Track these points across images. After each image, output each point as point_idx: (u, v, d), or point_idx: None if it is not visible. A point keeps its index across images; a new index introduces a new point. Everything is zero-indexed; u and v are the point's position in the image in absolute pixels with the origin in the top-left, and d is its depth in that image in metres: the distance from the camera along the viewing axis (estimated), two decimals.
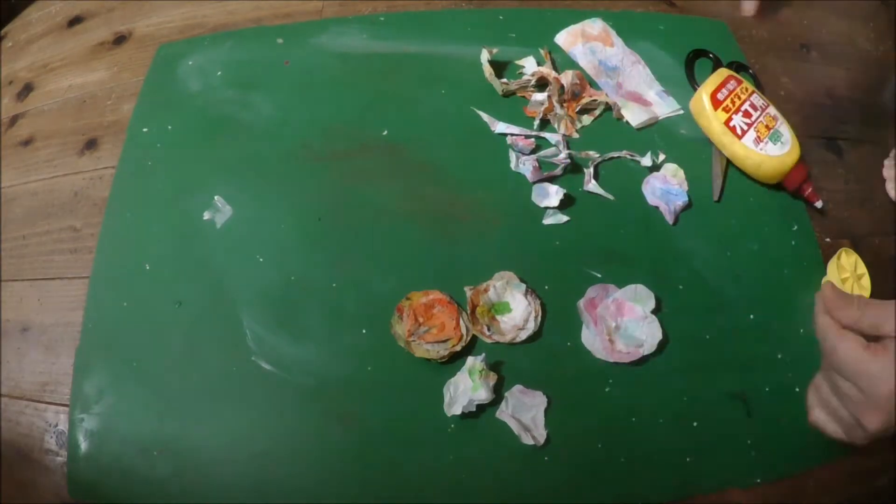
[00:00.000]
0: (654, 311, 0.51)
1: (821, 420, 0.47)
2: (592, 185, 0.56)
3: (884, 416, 0.41)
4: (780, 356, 0.52)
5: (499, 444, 0.47)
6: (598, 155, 0.58)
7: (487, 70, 0.60)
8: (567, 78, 0.60)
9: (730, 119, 0.56)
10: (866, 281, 0.51)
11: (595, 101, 0.60)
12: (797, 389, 0.50)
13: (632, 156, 0.58)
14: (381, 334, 0.50)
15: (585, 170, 0.57)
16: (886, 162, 0.62)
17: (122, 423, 0.48)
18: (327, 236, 0.54)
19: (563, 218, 0.55)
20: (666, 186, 0.57)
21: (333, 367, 0.49)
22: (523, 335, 0.50)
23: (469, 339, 0.49)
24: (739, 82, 0.58)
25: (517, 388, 0.48)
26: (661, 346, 0.50)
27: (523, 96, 0.61)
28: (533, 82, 0.61)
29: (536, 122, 0.59)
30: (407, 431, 0.48)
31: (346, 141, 0.58)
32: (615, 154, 0.59)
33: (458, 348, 0.49)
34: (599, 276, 0.53)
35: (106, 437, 0.48)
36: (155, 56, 0.64)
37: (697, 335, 0.52)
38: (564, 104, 0.60)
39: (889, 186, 0.61)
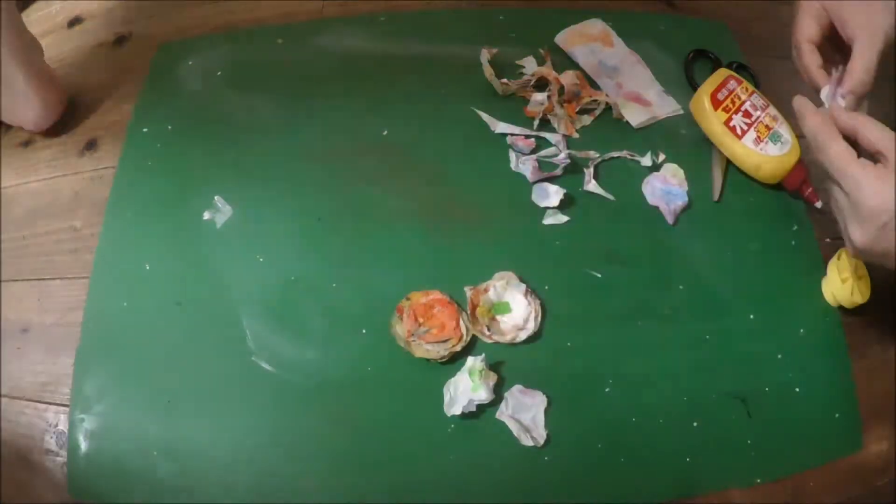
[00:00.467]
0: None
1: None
2: (592, 185, 0.56)
3: (868, 232, 0.41)
4: (780, 356, 0.51)
5: (499, 444, 0.47)
6: (598, 155, 0.58)
7: (487, 70, 0.60)
8: (567, 78, 0.60)
9: (730, 119, 0.56)
10: (866, 282, 0.51)
11: (595, 101, 0.60)
12: (797, 389, 0.50)
13: (632, 156, 0.58)
14: (380, 334, 0.50)
15: (585, 170, 0.57)
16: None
17: (122, 423, 0.48)
18: (327, 236, 0.54)
19: (563, 218, 0.55)
20: (666, 186, 0.57)
21: (333, 368, 0.49)
22: (523, 335, 0.50)
23: (469, 339, 0.49)
24: (739, 82, 0.58)
25: (517, 388, 0.48)
26: (661, 346, 0.50)
27: (523, 96, 0.61)
28: (533, 82, 0.61)
29: (536, 122, 0.59)
30: (407, 431, 0.48)
31: (346, 141, 0.58)
32: (615, 154, 0.58)
33: (458, 348, 0.49)
34: (599, 276, 0.53)
35: (106, 437, 0.48)
36: (155, 56, 0.64)
37: (697, 335, 0.52)
38: (564, 104, 0.60)
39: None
